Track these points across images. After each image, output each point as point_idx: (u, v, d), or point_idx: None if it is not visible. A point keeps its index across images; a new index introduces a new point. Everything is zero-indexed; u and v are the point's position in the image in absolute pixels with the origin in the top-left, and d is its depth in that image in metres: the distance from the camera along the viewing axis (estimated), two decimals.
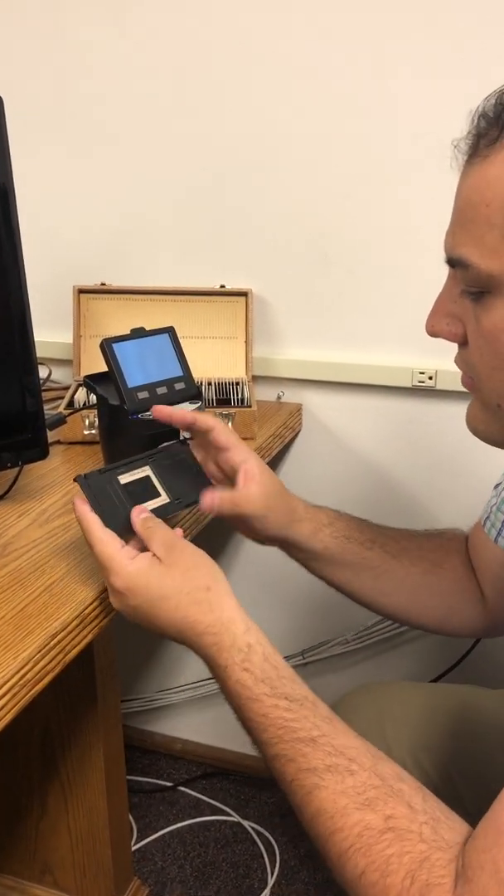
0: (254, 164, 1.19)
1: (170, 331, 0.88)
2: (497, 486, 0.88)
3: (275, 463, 1.28)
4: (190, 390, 0.86)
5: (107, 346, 0.83)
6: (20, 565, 0.76)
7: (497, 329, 0.56)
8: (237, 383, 1.19)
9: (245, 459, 0.77)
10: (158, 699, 1.57)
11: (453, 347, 0.63)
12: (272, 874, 1.34)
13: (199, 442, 0.81)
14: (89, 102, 1.25)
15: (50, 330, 1.29)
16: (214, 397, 1.15)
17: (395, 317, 1.18)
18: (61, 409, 1.11)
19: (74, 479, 0.73)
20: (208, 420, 0.77)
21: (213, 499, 0.75)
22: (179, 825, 1.44)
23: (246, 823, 1.44)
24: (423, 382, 1.18)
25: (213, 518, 0.87)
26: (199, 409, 0.85)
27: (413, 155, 1.10)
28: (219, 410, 1.09)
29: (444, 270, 0.60)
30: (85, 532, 0.69)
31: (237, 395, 1.16)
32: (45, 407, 0.94)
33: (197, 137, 1.21)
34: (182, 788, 1.52)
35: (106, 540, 0.68)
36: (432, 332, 0.62)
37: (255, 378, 1.26)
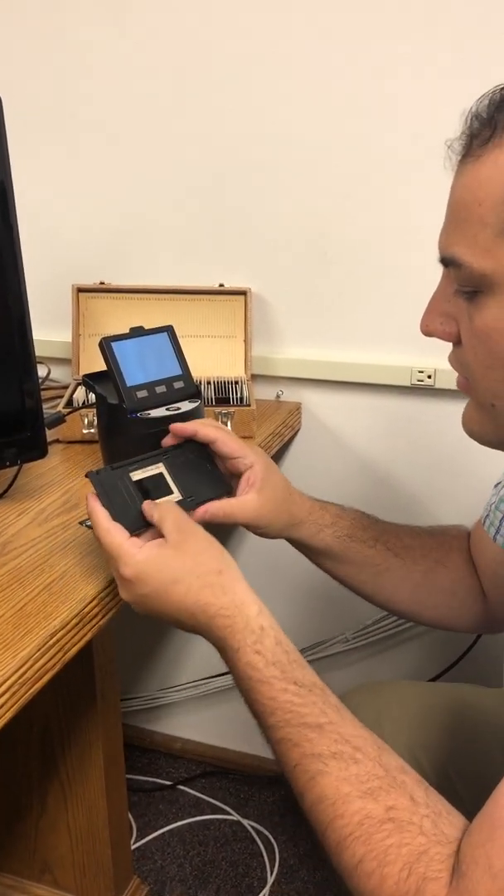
0: (254, 164, 1.19)
1: (169, 330, 0.88)
2: (497, 484, 0.88)
3: (274, 462, 1.28)
4: (189, 389, 0.86)
5: (106, 345, 0.83)
6: (19, 564, 0.76)
7: (490, 328, 0.56)
8: (236, 382, 1.19)
9: (249, 466, 0.78)
10: (158, 698, 1.57)
11: (452, 347, 0.63)
12: (272, 873, 1.34)
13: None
14: (89, 102, 1.25)
15: (49, 329, 1.29)
16: (213, 396, 1.15)
17: (394, 316, 1.19)
18: (60, 407, 1.11)
19: (86, 475, 0.72)
20: (209, 432, 0.77)
21: (207, 508, 0.75)
22: (179, 824, 1.44)
23: (245, 822, 1.44)
24: (422, 381, 1.18)
25: None
26: (198, 408, 0.85)
27: (413, 155, 1.10)
28: (218, 409, 1.09)
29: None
30: (94, 526, 0.69)
31: (236, 393, 1.16)
32: (44, 406, 0.94)
33: (197, 137, 1.21)
34: (181, 787, 1.52)
35: (113, 531, 0.67)
36: (426, 332, 0.63)
37: (254, 377, 1.26)
